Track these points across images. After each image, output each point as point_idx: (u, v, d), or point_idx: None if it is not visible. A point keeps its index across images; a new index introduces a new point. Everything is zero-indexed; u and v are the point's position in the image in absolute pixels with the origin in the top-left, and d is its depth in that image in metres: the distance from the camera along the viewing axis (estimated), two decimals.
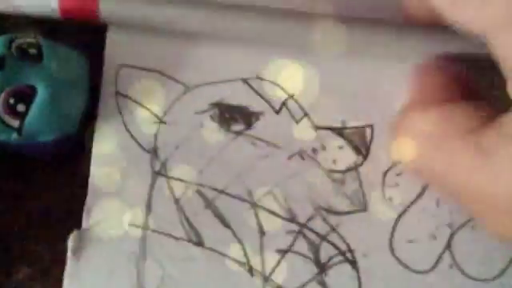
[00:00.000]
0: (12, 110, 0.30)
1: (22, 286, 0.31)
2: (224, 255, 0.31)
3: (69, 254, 0.31)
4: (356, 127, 0.33)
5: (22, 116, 0.30)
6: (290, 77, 0.33)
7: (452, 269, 0.31)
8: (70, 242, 0.30)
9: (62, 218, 0.32)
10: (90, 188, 0.32)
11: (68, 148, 0.32)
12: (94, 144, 0.32)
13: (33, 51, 0.31)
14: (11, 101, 0.30)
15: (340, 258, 0.32)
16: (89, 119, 0.33)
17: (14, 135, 0.31)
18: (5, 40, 0.31)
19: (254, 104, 0.33)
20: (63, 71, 0.31)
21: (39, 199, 0.32)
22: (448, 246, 0.31)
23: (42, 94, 0.30)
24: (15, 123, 0.30)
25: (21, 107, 0.30)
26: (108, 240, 0.31)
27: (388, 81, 0.33)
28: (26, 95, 0.30)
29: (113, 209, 0.32)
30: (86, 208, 0.32)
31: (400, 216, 0.32)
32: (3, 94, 0.30)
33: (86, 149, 0.32)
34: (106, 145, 0.33)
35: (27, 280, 0.31)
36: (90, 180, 0.32)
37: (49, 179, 0.33)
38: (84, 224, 0.31)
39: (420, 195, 0.32)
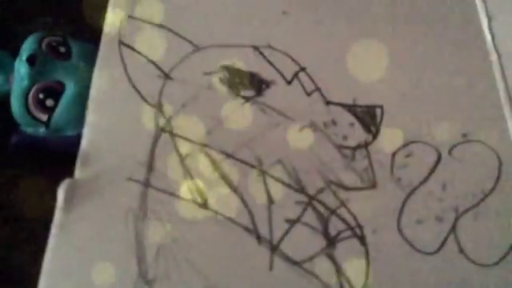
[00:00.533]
0: (41, 105, 0.38)
1: None
2: (230, 220, 0.35)
3: (59, 203, 0.33)
4: (367, 106, 0.40)
5: (50, 110, 0.38)
6: (303, 49, 0.40)
7: (456, 253, 0.37)
8: (61, 191, 0.34)
9: None
10: (85, 135, 0.35)
11: None
12: (91, 90, 0.36)
13: (62, 49, 0.38)
14: (41, 96, 0.38)
15: (349, 232, 0.36)
16: None
17: (42, 129, 0.38)
18: (36, 38, 0.38)
19: (265, 72, 0.39)
20: (90, 68, 0.36)
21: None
22: (453, 229, 0.37)
23: (69, 89, 0.38)
24: (44, 117, 0.38)
25: (50, 102, 0.38)
26: (104, 192, 0.34)
27: (400, 65, 0.41)
28: (54, 91, 0.38)
29: (110, 161, 0.35)
30: (80, 156, 0.35)
31: (408, 196, 0.38)
32: (34, 89, 0.37)
33: None
34: (105, 93, 0.36)
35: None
36: (85, 129, 0.35)
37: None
38: (77, 173, 0.34)
39: (427, 178, 0.38)
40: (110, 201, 0.34)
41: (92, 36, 0.36)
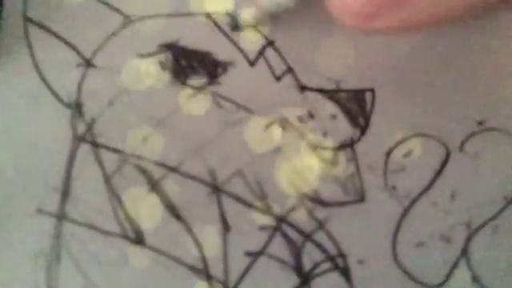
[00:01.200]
0: None
1: None
2: (172, 258, 0.29)
3: None
4: (354, 91, 0.32)
5: None
6: (271, 15, 0.31)
7: (470, 282, 0.31)
8: None
9: None
10: None
11: None
12: None
13: None
14: None
15: (328, 264, 0.30)
16: None
17: None
18: None
19: (222, 50, 0.31)
20: None
21: None
22: (464, 252, 0.31)
23: None
24: None
25: None
26: (7, 231, 0.28)
27: (398, 38, 0.32)
28: None
29: (12, 187, 0.28)
30: None
31: (406, 211, 0.31)
32: None
33: None
34: (6, 89, 0.29)
35: None
36: None
37: None
38: None
39: (431, 184, 0.32)
40: (14, 241, 0.28)
41: None
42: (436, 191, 0.32)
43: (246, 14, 0.30)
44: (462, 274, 0.31)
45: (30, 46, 0.29)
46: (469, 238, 0.31)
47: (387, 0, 0.28)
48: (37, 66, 0.29)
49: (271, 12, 0.30)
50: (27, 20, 0.29)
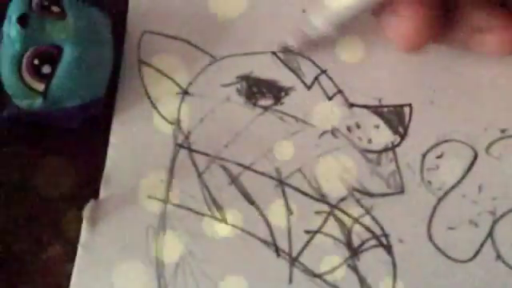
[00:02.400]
0: (37, 72, 0.36)
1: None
2: (249, 233, 0.39)
3: (84, 224, 0.39)
4: (394, 106, 0.41)
5: (47, 79, 0.37)
6: (323, 50, 0.42)
7: (494, 259, 0.38)
8: (86, 212, 0.39)
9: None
10: (108, 157, 0.40)
11: (95, 114, 0.39)
12: (114, 114, 0.41)
13: (55, 8, 0.38)
14: (36, 62, 0.37)
15: (374, 242, 0.39)
16: (112, 84, 0.41)
17: (39, 101, 0.37)
18: None
19: (284, 78, 0.42)
20: (88, 29, 0.38)
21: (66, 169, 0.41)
22: (490, 234, 0.38)
23: (68, 53, 0.37)
24: (40, 87, 0.37)
25: (46, 69, 0.37)
26: (125, 212, 0.39)
27: (429, 59, 0.42)
28: (51, 56, 0.37)
29: (132, 180, 0.40)
30: (103, 178, 0.41)
31: (439, 201, 0.39)
32: (27, 54, 0.36)
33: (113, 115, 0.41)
34: (127, 114, 0.41)
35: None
36: (109, 150, 0.40)
37: (76, 148, 0.41)
38: (101, 194, 0.39)
39: (461, 180, 0.39)
40: (132, 219, 0.38)
41: None
42: (465, 185, 0.39)
43: (292, 42, 0.41)
44: (487, 253, 0.38)
45: (142, 81, 0.41)
46: (493, 224, 0.38)
47: (437, 29, 0.36)
48: (148, 95, 0.41)
49: (312, 38, 0.40)
50: (141, 62, 0.42)
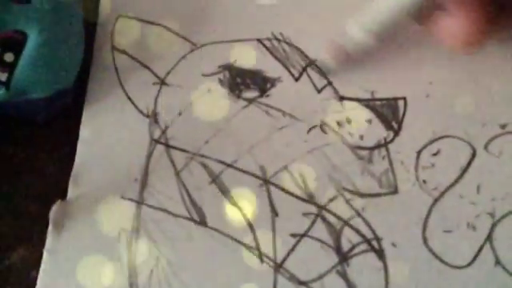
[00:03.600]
0: None
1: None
2: (230, 237, 0.36)
3: (50, 227, 0.35)
4: (387, 99, 0.39)
5: (10, 67, 0.34)
6: (312, 39, 0.39)
7: (493, 265, 0.35)
8: (52, 215, 0.36)
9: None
10: (78, 154, 0.37)
11: (63, 107, 0.36)
12: (85, 105, 0.38)
13: None
14: None
15: (365, 246, 0.36)
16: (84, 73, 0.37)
17: (1, 91, 0.34)
18: None
19: (270, 68, 0.39)
20: (56, 14, 0.34)
21: (31, 163, 0.37)
22: (489, 238, 0.36)
23: (33, 40, 0.34)
24: (2, 76, 0.34)
25: (9, 57, 0.34)
26: (95, 213, 0.36)
27: (425, 50, 0.39)
28: (14, 42, 0.34)
29: (103, 179, 0.36)
30: (72, 176, 0.37)
31: (435, 201, 0.36)
32: None
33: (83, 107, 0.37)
34: (98, 106, 0.38)
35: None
36: (79, 146, 0.37)
37: (41, 141, 0.38)
38: (70, 194, 0.36)
39: (458, 179, 0.37)
40: (103, 221, 0.35)
41: None
42: (463, 185, 0.37)
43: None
44: (486, 258, 0.35)
45: (116, 69, 0.38)
46: (493, 226, 0.36)
47: (490, 27, 0.34)
48: (122, 86, 0.38)
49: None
50: (114, 48, 0.38)
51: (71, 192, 0.36)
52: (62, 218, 0.35)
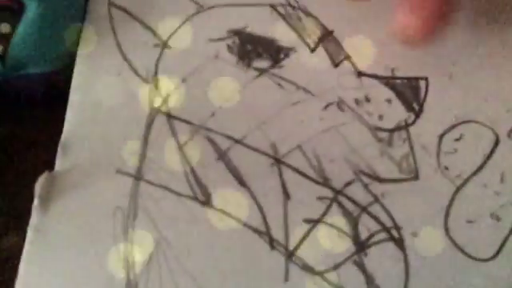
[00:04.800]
0: None
1: None
2: (238, 220, 0.32)
3: (35, 202, 0.30)
4: (408, 78, 0.36)
5: (6, 39, 0.31)
6: (331, 8, 0.35)
7: None
8: (38, 188, 0.31)
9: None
10: (66, 120, 0.32)
11: (62, 83, 0.32)
12: (75, 65, 0.33)
13: None
14: None
15: (384, 235, 0.33)
16: None
17: None
18: None
19: (284, 37, 0.35)
20: None
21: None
22: None
23: (31, 10, 0.31)
24: None
25: (5, 27, 0.31)
26: (87, 188, 0.32)
27: (450, 30, 0.36)
28: (11, 12, 0.30)
29: (96, 150, 0.32)
30: (60, 145, 0.32)
31: (458, 189, 0.34)
32: None
33: None
34: (91, 67, 0.34)
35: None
36: (68, 111, 0.32)
37: (38, 122, 0.34)
38: (57, 165, 0.31)
39: (481, 167, 0.34)
40: (96, 198, 0.31)
41: None
42: (486, 173, 0.34)
43: None
44: (511, 251, 0.33)
45: (113, 28, 0.34)
46: None
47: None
48: (119, 46, 0.33)
49: None
50: (111, 5, 0.34)
51: (59, 163, 0.31)
52: (50, 192, 0.31)
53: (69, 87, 0.31)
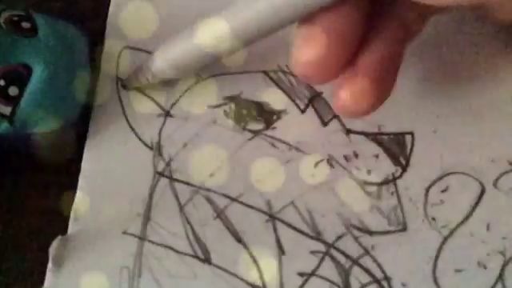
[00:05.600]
0: (3, 94, 0.32)
1: None
2: (235, 276, 0.34)
3: (49, 263, 0.33)
4: (394, 133, 0.37)
5: (14, 101, 0.32)
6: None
7: None
8: (52, 250, 0.34)
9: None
10: (79, 188, 0.35)
11: (68, 141, 0.35)
12: (88, 136, 0.36)
13: (26, 24, 0.33)
14: (1, 82, 0.32)
15: (374, 286, 0.34)
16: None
17: (5, 125, 0.32)
18: None
19: (276, 101, 0.38)
20: (62, 47, 0.33)
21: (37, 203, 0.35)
22: (500, 277, 0.34)
23: (38, 74, 0.32)
24: (6, 110, 0.32)
25: (13, 90, 0.32)
26: (97, 250, 0.34)
27: (431, 83, 0.38)
28: (19, 76, 0.32)
29: (105, 213, 0.35)
30: (73, 210, 0.35)
31: (445, 239, 0.35)
32: None
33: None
34: (101, 137, 0.36)
35: None
36: (80, 179, 0.35)
37: (47, 179, 0.36)
38: (70, 229, 0.34)
39: (468, 216, 0.36)
40: (104, 258, 0.33)
41: (60, 8, 0.35)
42: (473, 223, 0.35)
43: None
44: None
45: (120, 99, 0.36)
46: (504, 265, 0.34)
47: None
48: (126, 117, 0.36)
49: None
50: (119, 79, 0.37)
51: (72, 227, 0.34)
52: (63, 254, 0.33)
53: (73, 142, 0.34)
